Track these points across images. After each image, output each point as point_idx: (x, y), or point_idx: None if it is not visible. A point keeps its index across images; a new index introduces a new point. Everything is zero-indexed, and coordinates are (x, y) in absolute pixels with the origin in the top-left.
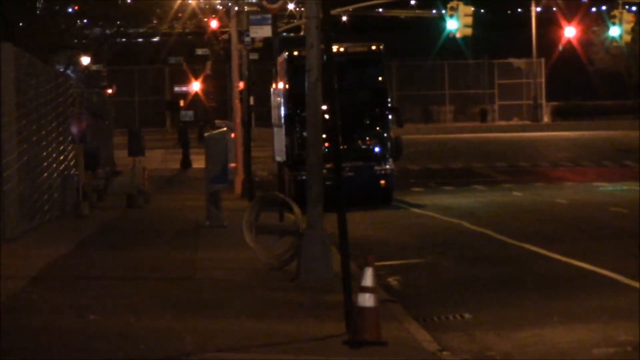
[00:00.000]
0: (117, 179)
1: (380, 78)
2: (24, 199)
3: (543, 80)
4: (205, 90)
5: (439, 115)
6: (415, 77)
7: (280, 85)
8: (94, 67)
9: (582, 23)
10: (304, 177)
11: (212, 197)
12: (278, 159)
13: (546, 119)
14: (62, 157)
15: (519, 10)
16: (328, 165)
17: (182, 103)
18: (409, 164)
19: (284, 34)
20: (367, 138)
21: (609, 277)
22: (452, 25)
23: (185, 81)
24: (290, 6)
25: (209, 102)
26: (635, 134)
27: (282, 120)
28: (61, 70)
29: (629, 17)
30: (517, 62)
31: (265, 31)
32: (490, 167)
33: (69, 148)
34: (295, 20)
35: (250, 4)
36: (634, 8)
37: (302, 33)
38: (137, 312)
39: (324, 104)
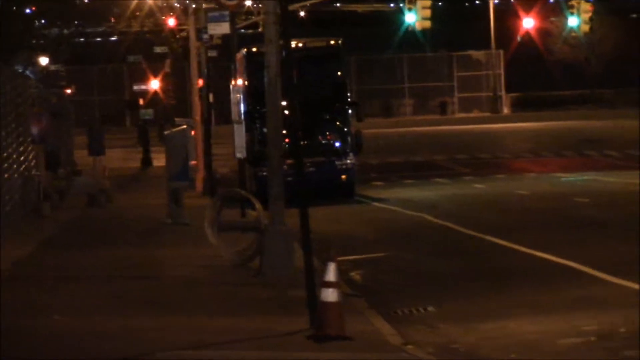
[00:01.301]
0: (78, 179)
1: (339, 73)
2: None
3: (502, 71)
4: (164, 88)
5: (399, 108)
6: (375, 71)
7: (240, 81)
8: (53, 67)
9: (540, 14)
10: (265, 174)
11: (174, 195)
12: (239, 155)
13: (506, 110)
14: (22, 158)
15: (477, 2)
16: (289, 161)
17: (141, 101)
18: (370, 158)
19: (242, 30)
20: (328, 133)
21: (572, 267)
22: (411, 18)
23: (145, 79)
24: (248, 2)
25: (169, 100)
26: (594, 123)
27: (242, 117)
28: (20, 70)
29: (586, 7)
30: (475, 54)
31: (224, 28)
32: (451, 160)
33: (29, 149)
34: (254, 17)
35: (208, 1)
36: None
37: (260, 29)
38: (101, 311)
39: (283, 100)
